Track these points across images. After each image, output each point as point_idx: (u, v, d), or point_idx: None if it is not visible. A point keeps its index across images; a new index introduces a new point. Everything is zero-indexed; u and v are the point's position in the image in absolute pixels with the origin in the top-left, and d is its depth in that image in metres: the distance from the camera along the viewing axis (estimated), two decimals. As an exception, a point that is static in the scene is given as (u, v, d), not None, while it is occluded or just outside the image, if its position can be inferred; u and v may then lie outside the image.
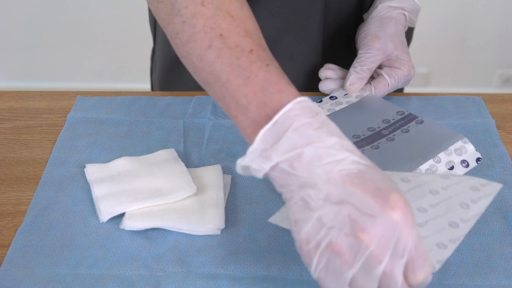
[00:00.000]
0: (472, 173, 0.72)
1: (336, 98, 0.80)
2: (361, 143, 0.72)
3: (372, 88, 0.81)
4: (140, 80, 2.02)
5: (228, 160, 0.74)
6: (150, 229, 0.65)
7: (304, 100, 0.51)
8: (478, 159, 0.71)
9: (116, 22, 2.14)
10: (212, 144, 0.77)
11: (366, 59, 0.80)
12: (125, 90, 0.89)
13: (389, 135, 0.72)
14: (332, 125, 0.51)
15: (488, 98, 0.86)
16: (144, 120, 0.81)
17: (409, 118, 0.75)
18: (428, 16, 1.98)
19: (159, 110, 0.83)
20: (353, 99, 0.80)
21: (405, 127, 0.73)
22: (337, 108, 0.78)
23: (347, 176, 0.48)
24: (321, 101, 0.81)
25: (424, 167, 0.68)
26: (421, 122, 0.74)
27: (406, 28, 0.86)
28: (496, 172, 0.72)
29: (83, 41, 2.23)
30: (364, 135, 0.73)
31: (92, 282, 0.60)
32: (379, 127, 0.74)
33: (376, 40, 0.81)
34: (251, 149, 0.51)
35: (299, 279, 0.60)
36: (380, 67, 0.83)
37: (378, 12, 0.84)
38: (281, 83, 0.53)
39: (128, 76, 2.28)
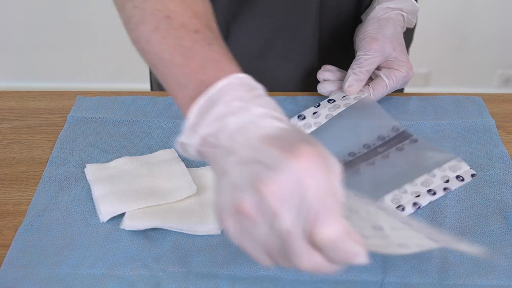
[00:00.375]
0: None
1: (334, 101, 0.80)
2: (357, 160, 0.73)
3: (371, 90, 0.81)
4: (140, 80, 2.01)
5: (228, 160, 0.74)
6: (150, 229, 0.65)
7: (243, 77, 0.50)
8: (473, 175, 0.72)
9: (116, 22, 2.12)
10: (212, 144, 0.77)
11: (364, 61, 0.80)
12: (125, 90, 0.89)
13: (383, 152, 0.75)
14: (267, 99, 0.49)
15: (488, 98, 0.86)
16: (144, 120, 0.81)
17: (403, 136, 0.77)
18: (428, 16, 1.98)
19: (159, 110, 0.83)
20: (351, 101, 0.79)
21: (400, 145, 0.75)
22: (335, 112, 0.78)
23: (264, 137, 0.46)
24: (319, 105, 0.80)
25: (419, 180, 0.70)
26: (415, 141, 0.76)
27: (405, 29, 0.86)
28: (496, 172, 0.72)
29: (83, 41, 2.23)
30: (360, 152, 0.75)
31: (92, 282, 0.60)
32: (374, 144, 0.76)
33: (375, 41, 0.81)
34: (186, 124, 0.50)
35: (299, 279, 0.60)
36: (378, 68, 0.83)
37: (376, 13, 0.84)
38: (222, 61, 0.52)
39: (128, 76, 2.28)
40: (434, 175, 0.70)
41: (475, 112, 0.83)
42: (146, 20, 0.56)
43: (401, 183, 0.69)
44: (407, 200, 0.67)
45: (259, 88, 0.50)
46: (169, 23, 0.55)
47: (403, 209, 0.66)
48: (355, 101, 0.79)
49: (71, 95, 0.87)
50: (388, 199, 0.67)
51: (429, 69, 2.29)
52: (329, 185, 0.43)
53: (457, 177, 0.71)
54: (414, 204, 0.67)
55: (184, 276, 0.60)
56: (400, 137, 0.76)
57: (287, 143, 0.44)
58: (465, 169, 0.72)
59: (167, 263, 0.62)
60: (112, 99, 0.85)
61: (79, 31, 2.20)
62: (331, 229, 0.42)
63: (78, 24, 2.19)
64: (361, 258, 0.43)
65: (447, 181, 0.70)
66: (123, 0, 0.60)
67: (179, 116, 0.82)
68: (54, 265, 0.61)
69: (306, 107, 0.82)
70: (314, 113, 0.79)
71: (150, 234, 0.65)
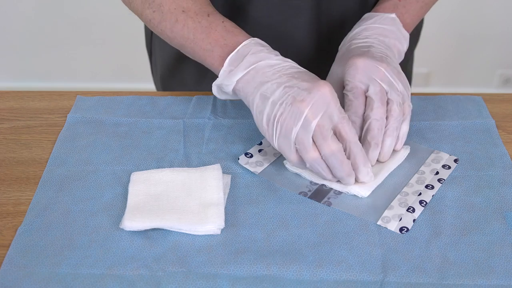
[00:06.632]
0: (471, 173, 0.73)
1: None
2: None
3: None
4: (140, 80, 2.01)
5: (228, 160, 0.74)
6: (150, 229, 0.65)
7: (256, 39, 0.70)
8: (455, 160, 0.75)
9: (115, 22, 2.14)
10: (212, 144, 0.77)
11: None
12: (125, 90, 0.89)
13: None
14: (277, 52, 0.70)
15: (488, 98, 0.86)
16: (144, 120, 0.81)
17: None
18: (428, 16, 1.98)
19: (159, 110, 0.83)
20: None
21: None
22: None
23: (289, 74, 0.67)
24: (261, 143, 0.77)
25: (413, 180, 0.72)
26: None
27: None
28: (496, 172, 0.72)
29: (83, 41, 2.23)
30: None
31: (92, 282, 0.60)
32: None
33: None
34: (221, 71, 0.69)
35: (299, 279, 0.60)
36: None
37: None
38: (236, 32, 0.71)
39: (128, 76, 2.28)
40: (423, 172, 0.73)
41: (475, 112, 0.83)
42: (166, 17, 0.74)
43: (399, 188, 0.70)
44: (413, 200, 0.68)
45: (269, 47, 0.71)
46: (186, 15, 0.73)
47: (413, 210, 0.67)
48: None
49: (71, 95, 0.87)
50: (396, 204, 0.68)
51: (429, 69, 2.29)
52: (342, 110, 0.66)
53: (443, 166, 0.73)
54: (421, 202, 0.68)
55: (184, 276, 0.60)
56: None
57: (311, 78, 0.66)
58: (446, 158, 0.75)
59: (167, 263, 0.62)
60: (112, 99, 0.86)
61: (79, 31, 2.20)
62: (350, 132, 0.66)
63: (78, 24, 2.19)
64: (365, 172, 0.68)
65: (437, 173, 0.72)
66: (141, 8, 0.76)
67: (179, 116, 0.82)
68: (54, 265, 0.61)
69: None
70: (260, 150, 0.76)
71: (150, 234, 0.65)
